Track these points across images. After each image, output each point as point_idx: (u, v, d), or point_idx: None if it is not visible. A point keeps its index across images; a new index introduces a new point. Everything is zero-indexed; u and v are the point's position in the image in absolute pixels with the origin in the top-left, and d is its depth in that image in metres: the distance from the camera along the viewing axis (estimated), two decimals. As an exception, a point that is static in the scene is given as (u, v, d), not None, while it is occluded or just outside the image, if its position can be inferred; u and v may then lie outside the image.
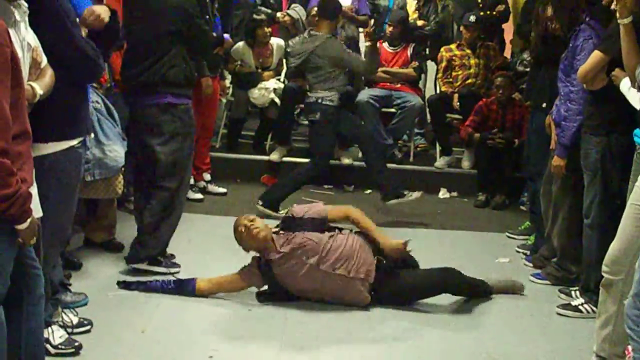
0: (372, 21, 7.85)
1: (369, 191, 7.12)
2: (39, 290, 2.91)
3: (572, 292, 4.66)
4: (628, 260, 3.38)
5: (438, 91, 7.92)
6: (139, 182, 4.81)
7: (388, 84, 7.43)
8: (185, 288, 4.43)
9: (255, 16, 7.31)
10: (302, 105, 7.65)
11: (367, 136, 6.51)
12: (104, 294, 4.40)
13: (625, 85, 3.83)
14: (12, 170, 2.52)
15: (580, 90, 4.46)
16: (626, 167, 3.87)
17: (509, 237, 5.99)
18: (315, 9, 6.68)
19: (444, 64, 7.61)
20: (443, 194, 7.26)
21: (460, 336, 4.16)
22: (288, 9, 7.98)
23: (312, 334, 4.07)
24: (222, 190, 6.83)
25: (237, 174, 7.31)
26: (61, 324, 3.76)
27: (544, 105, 5.15)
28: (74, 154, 3.46)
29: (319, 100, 6.16)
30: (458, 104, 7.36)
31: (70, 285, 4.28)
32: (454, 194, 7.27)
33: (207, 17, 5.23)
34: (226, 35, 5.78)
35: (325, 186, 7.11)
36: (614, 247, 3.51)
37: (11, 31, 2.77)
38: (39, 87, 3.04)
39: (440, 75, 7.72)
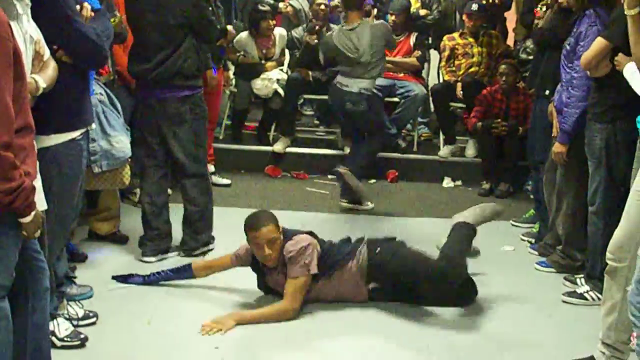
0: (375, 11, 7.83)
1: (373, 181, 7.12)
2: (44, 283, 2.91)
3: (577, 280, 4.65)
4: (632, 247, 3.37)
5: (441, 80, 7.90)
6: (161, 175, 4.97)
7: (391, 73, 7.40)
8: (183, 273, 4.47)
9: (260, 7, 7.29)
10: (305, 96, 7.67)
11: (378, 126, 6.51)
12: (109, 286, 4.41)
13: (628, 71, 3.81)
14: (15, 164, 2.52)
15: (584, 76, 4.45)
16: (630, 154, 3.86)
17: (513, 225, 5.98)
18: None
19: (446, 53, 7.58)
20: (447, 182, 7.26)
21: (465, 325, 4.16)
22: (290, -1, 7.98)
23: (318, 324, 4.08)
24: (226, 181, 6.84)
25: (240, 165, 7.32)
26: (66, 316, 3.77)
27: (548, 92, 5.13)
28: (76, 145, 3.46)
29: (362, 91, 6.13)
30: (461, 92, 7.35)
31: (75, 277, 4.30)
32: (458, 182, 7.27)
33: (211, 8, 5.25)
34: (229, 27, 5.79)
35: (329, 176, 7.11)
36: (618, 234, 3.50)
37: (14, 24, 2.77)
38: (42, 80, 3.03)
39: (443, 64, 7.70)
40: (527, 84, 6.46)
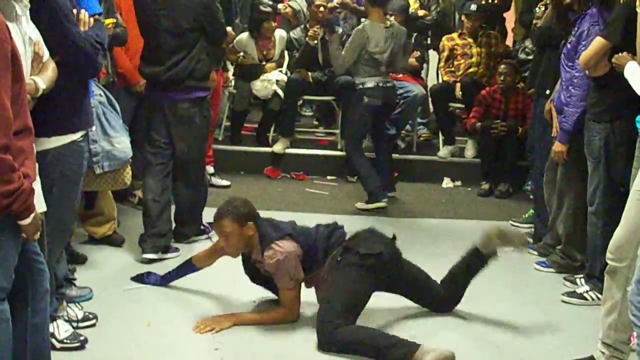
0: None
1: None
2: (44, 285, 2.91)
3: (577, 280, 4.65)
4: (632, 247, 3.37)
5: (440, 81, 7.91)
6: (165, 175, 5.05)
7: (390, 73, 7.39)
8: (187, 269, 4.44)
9: (262, 8, 7.28)
10: (304, 97, 7.66)
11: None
12: (109, 288, 4.41)
13: (629, 70, 3.80)
14: (13, 166, 2.51)
15: (584, 75, 4.45)
16: (630, 154, 3.86)
17: (513, 225, 5.98)
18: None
19: (445, 54, 7.59)
20: (447, 183, 7.26)
21: (466, 326, 4.17)
22: (289, 0, 7.96)
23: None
24: (225, 182, 6.83)
25: (240, 166, 7.31)
26: (66, 318, 3.77)
27: (547, 92, 5.13)
28: (76, 147, 3.45)
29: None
30: (460, 93, 7.35)
31: (75, 279, 4.29)
32: (458, 183, 7.27)
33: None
34: (229, 28, 5.79)
35: (329, 177, 7.11)
36: (617, 233, 3.50)
37: (13, 25, 2.77)
38: (41, 81, 3.02)
39: (442, 64, 7.71)
40: (527, 84, 6.47)
